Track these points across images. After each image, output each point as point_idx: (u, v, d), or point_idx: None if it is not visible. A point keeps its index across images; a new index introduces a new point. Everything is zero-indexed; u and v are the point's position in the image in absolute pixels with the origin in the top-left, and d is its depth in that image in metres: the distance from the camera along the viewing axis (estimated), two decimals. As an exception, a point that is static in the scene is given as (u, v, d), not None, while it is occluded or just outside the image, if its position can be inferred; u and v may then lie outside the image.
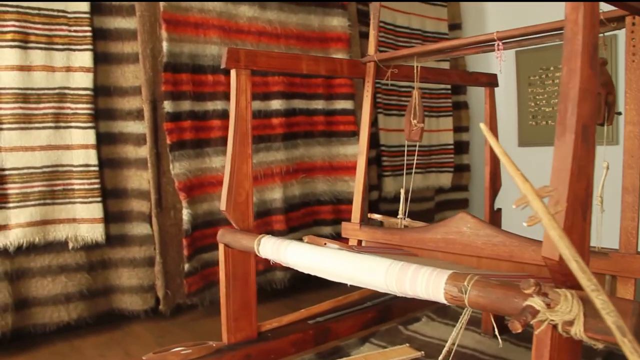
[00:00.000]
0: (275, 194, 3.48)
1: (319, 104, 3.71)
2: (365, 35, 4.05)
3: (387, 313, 2.20)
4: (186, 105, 3.18)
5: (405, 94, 4.27)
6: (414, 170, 2.76)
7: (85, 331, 3.02)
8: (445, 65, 4.51)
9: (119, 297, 3.13)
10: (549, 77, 4.42)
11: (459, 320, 1.78)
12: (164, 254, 3.11)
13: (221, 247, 1.84)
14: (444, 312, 2.87)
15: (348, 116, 3.77)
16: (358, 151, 2.14)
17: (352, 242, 2.17)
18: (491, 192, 2.62)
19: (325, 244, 1.80)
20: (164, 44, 3.09)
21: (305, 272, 1.54)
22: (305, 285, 3.73)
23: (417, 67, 2.16)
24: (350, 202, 3.76)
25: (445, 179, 4.49)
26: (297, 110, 3.61)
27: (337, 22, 3.75)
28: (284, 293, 3.58)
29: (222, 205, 1.82)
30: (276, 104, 3.50)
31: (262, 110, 3.46)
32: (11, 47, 2.79)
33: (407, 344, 2.46)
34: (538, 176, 3.92)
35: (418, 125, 2.18)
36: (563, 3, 1.06)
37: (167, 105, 3.09)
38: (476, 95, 4.87)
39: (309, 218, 3.67)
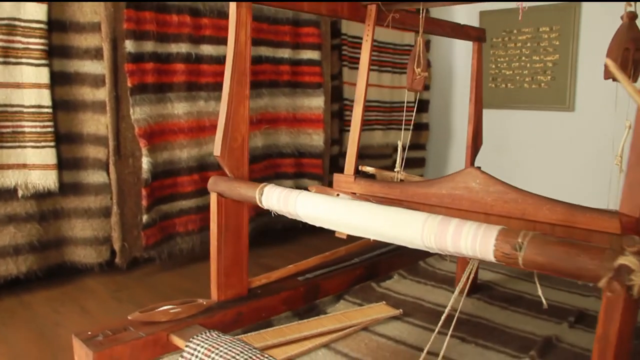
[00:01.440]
0: (239, 145, 3.32)
1: (285, 53, 3.54)
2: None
3: (374, 269, 2.13)
4: (149, 46, 2.95)
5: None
6: (403, 127, 2.65)
7: (35, 285, 2.82)
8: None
9: (71, 250, 2.93)
10: (512, 40, 4.39)
11: (460, 282, 1.72)
12: (121, 205, 2.93)
13: (214, 196, 1.68)
14: (416, 270, 2.83)
15: (314, 67, 3.62)
16: (354, 100, 2.02)
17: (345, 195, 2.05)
18: (472, 150, 2.56)
19: (337, 194, 1.68)
20: (127, -22, 2.84)
21: (319, 224, 1.42)
22: (267, 238, 3.63)
23: (422, 11, 2.05)
24: (312, 155, 3.66)
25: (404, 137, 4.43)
26: (264, 57, 3.44)
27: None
28: (244, 248, 3.46)
29: (216, 150, 1.67)
30: (242, 51, 3.31)
31: (228, 56, 3.27)
32: (-45, -31, 2.49)
33: (384, 302, 2.40)
34: (497, 137, 3.90)
35: (422, 74, 2.07)
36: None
37: (129, 45, 2.87)
38: (437, 53, 4.81)
39: (271, 170, 3.54)
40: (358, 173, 2.12)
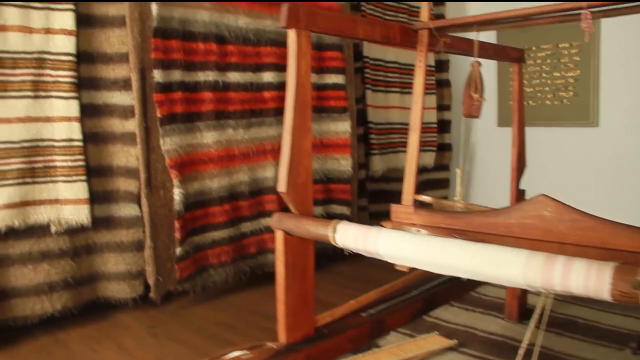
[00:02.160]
0: (267, 172, 3.24)
1: (310, 78, 3.46)
2: (355, 8, 3.83)
3: (432, 301, 2.02)
4: (177, 75, 2.88)
5: (391, 69, 4.09)
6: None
7: (69, 323, 2.71)
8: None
9: (104, 285, 2.83)
10: (531, 57, 4.33)
11: (534, 313, 1.62)
12: (154, 238, 2.83)
13: (279, 234, 1.58)
14: (462, 298, 2.72)
15: (339, 91, 3.54)
16: (410, 127, 1.93)
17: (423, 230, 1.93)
18: (517, 172, 2.47)
19: (418, 230, 1.59)
20: (153, 7, 2.78)
21: (402, 263, 1.33)
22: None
23: (477, 36, 1.97)
24: (340, 181, 3.57)
25: (428, 158, 4.35)
26: (289, 83, 3.36)
27: (328, -8, 3.51)
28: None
29: (281, 187, 1.57)
30: (268, 77, 3.24)
31: (254, 83, 3.20)
32: (-18, 3, 2.42)
33: (436, 332, 2.30)
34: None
35: (480, 99, 1.98)
36: None
37: (157, 75, 2.79)
38: (457, 73, 4.74)
39: (301, 198, 3.45)
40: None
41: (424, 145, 4.31)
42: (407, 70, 4.21)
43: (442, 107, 4.52)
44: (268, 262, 3.25)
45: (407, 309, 1.90)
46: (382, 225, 1.54)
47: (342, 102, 3.54)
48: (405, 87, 4.20)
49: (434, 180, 4.51)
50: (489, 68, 4.51)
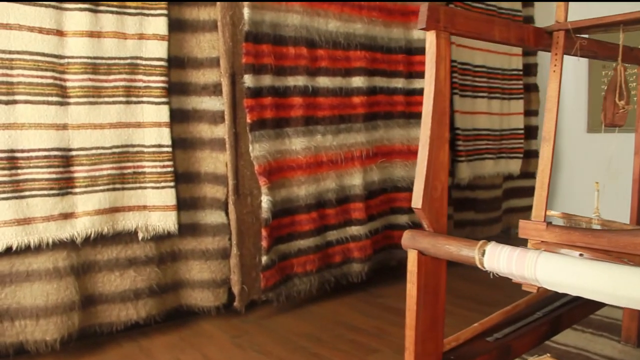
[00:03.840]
0: (355, 180, 2.96)
1: (399, 83, 3.17)
2: (445, 9, 3.49)
3: (557, 324, 1.73)
4: (267, 80, 2.64)
5: (479, 74, 3.73)
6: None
7: (151, 330, 2.54)
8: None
9: (188, 293, 2.63)
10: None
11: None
12: (240, 246, 2.61)
13: (412, 254, 1.30)
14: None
15: (428, 97, 3.22)
16: (543, 137, 1.61)
17: (531, 244, 1.62)
18: (639, 184, 2.11)
19: (580, 254, 1.29)
20: (245, 11, 2.55)
21: (564, 291, 1.04)
22: (381, 276, 3.26)
23: (622, 38, 1.64)
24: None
25: (514, 165, 3.97)
26: (378, 88, 3.07)
27: (419, -6, 3.19)
28: (359, 286, 3.11)
29: (416, 202, 1.30)
30: (357, 81, 2.96)
31: (344, 88, 2.92)
32: (80, 10, 2.25)
33: (548, 354, 1.98)
34: (604, 162, 3.26)
35: (626, 107, 1.65)
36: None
37: (248, 80, 2.57)
38: (544, 76, 4.32)
39: (387, 206, 3.16)
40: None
41: (509, 152, 3.93)
42: (495, 74, 3.84)
43: (529, 112, 4.12)
44: (352, 272, 2.99)
45: (533, 332, 1.60)
46: (531, 248, 1.25)
47: (431, 107, 3.22)
48: (493, 92, 3.83)
49: (519, 188, 4.12)
50: (576, 71, 4.08)
